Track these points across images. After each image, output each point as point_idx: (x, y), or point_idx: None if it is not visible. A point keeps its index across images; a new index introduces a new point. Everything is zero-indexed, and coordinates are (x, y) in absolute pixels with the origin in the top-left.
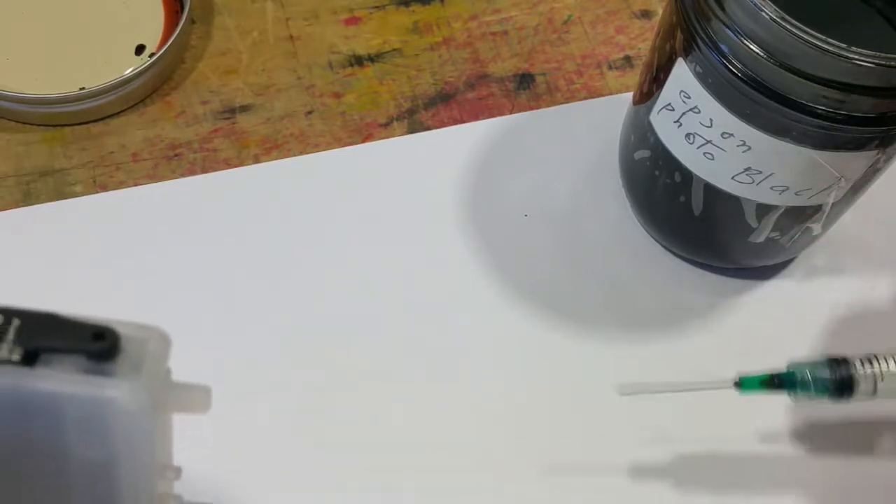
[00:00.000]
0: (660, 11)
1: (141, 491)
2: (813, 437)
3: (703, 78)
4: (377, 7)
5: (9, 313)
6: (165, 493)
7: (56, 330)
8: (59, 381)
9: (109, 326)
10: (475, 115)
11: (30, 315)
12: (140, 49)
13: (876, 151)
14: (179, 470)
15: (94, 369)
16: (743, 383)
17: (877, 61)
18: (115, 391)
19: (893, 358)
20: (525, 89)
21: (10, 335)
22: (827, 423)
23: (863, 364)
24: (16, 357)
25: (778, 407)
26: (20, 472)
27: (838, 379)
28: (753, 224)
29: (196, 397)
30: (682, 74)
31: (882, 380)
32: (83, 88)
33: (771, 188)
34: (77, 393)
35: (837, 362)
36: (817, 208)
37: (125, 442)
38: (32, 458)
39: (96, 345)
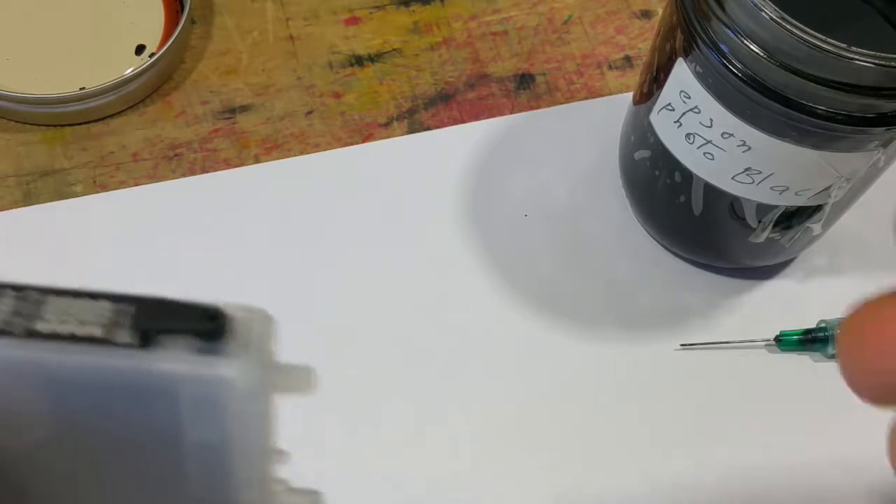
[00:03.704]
0: (660, 11)
1: (254, 473)
2: None
3: (703, 78)
4: (377, 7)
5: (121, 299)
6: (272, 477)
7: (168, 312)
8: (174, 361)
9: (219, 307)
10: (475, 115)
11: (142, 299)
12: (140, 49)
13: (876, 151)
14: (286, 454)
15: (205, 349)
16: (782, 340)
17: (877, 61)
18: (228, 370)
19: None
20: (525, 89)
21: (127, 320)
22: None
23: None
24: (133, 340)
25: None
26: (136, 455)
27: None
28: (753, 224)
29: (301, 378)
30: (681, 74)
31: None
32: (83, 88)
33: (771, 188)
34: (191, 373)
35: None
36: (817, 208)
37: (238, 423)
38: (148, 440)
39: (210, 325)
